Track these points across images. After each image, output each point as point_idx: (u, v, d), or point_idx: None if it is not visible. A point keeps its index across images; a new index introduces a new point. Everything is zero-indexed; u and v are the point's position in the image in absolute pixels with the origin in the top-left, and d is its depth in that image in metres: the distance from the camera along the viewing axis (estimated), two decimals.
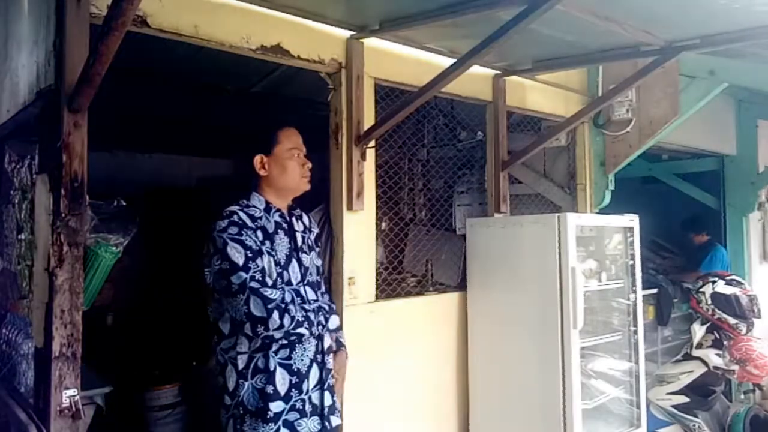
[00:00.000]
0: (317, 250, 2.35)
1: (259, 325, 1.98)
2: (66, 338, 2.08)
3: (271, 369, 2.03)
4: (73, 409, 2.07)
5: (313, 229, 2.36)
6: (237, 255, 2.00)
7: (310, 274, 2.22)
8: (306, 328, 2.04)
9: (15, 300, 2.88)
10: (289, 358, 2.06)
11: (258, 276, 2.00)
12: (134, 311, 5.69)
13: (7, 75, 2.93)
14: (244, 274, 1.99)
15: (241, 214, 2.10)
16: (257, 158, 2.18)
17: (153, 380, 4.26)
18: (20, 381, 2.60)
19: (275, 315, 1.96)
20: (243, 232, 2.04)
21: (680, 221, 6.00)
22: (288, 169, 2.18)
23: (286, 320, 1.99)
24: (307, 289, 2.17)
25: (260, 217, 2.14)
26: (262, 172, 2.18)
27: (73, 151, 2.09)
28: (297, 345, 2.07)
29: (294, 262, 2.16)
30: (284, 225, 2.19)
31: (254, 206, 2.16)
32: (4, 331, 2.97)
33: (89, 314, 2.23)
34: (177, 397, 4.17)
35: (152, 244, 5.58)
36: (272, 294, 1.99)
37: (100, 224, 2.42)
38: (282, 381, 2.04)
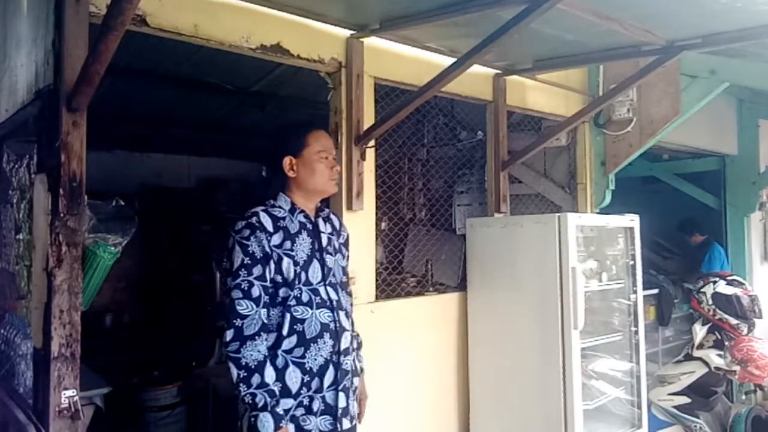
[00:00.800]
0: (345, 252, 2.33)
1: (224, 332, 2.02)
2: (65, 339, 2.07)
3: (280, 367, 2.04)
4: (72, 409, 2.07)
5: (342, 232, 2.35)
6: (236, 259, 2.03)
7: (333, 275, 2.21)
8: (242, 365, 1.96)
9: (13, 300, 2.88)
10: (302, 357, 2.07)
11: (244, 285, 2.00)
12: (134, 311, 5.70)
13: (5, 74, 2.93)
14: (232, 281, 2.02)
15: (262, 215, 2.10)
16: (286, 160, 2.17)
17: (152, 381, 4.27)
18: (19, 381, 2.59)
19: (229, 332, 1.98)
20: (253, 236, 2.04)
21: (677, 223, 6.01)
22: (316, 171, 2.18)
23: (233, 344, 1.96)
24: (329, 289, 2.17)
25: (284, 218, 2.14)
26: (290, 174, 2.18)
27: (71, 151, 2.09)
28: (312, 344, 2.08)
29: (315, 263, 2.15)
30: (308, 226, 2.19)
31: (279, 207, 2.17)
32: (2, 331, 2.96)
33: (88, 314, 2.23)
34: (176, 397, 4.17)
35: (151, 243, 5.59)
36: (245, 310, 1.99)
37: (98, 224, 2.41)
38: (294, 379, 2.05)
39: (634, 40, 3.09)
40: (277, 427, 1.95)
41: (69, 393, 2.07)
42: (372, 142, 3.11)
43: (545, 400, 3.24)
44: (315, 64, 2.94)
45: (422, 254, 3.91)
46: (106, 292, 5.34)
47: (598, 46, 3.31)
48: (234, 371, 1.96)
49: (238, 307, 1.99)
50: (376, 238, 3.29)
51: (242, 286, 2.00)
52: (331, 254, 2.22)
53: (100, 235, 2.38)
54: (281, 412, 1.99)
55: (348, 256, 2.36)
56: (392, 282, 3.56)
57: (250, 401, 1.95)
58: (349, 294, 2.33)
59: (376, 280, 3.19)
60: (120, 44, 1.80)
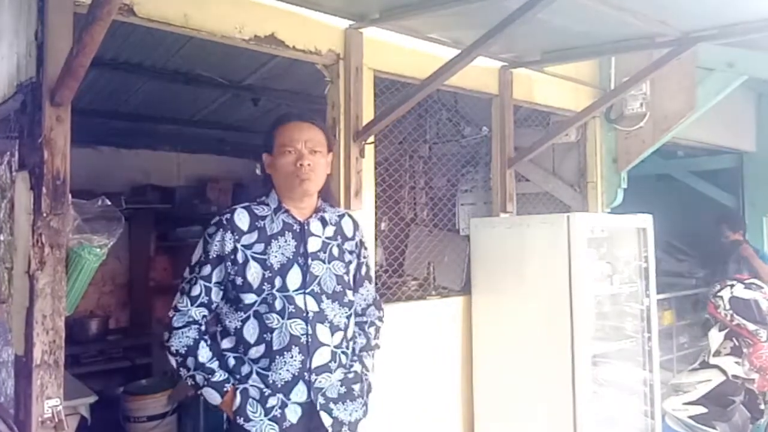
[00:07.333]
0: (351, 259, 2.19)
1: None
2: (48, 345, 2.08)
3: (244, 373, 2.03)
4: (56, 420, 2.07)
5: (355, 237, 2.22)
6: (196, 253, 2.07)
7: (319, 283, 2.08)
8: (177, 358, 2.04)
9: None
10: (267, 369, 2.02)
11: (189, 280, 2.05)
12: (121, 316, 5.70)
13: None
14: (187, 274, 2.07)
15: (237, 213, 2.06)
16: (264, 158, 2.13)
17: (140, 389, 4.27)
18: (0, 391, 2.59)
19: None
20: (217, 235, 2.03)
21: (715, 216, 5.89)
22: (278, 168, 2.09)
23: (165, 334, 2.05)
24: (308, 298, 2.06)
25: (265, 217, 2.08)
26: (269, 172, 2.13)
27: (55, 148, 2.09)
28: (277, 357, 2.02)
29: (296, 268, 2.06)
30: (295, 227, 2.10)
31: (266, 204, 2.12)
32: None
33: (72, 320, 2.23)
34: (166, 407, 4.17)
35: (138, 244, 5.59)
36: (180, 304, 2.04)
37: (83, 224, 2.40)
38: (255, 389, 2.02)
39: (647, 30, 3.09)
40: (222, 394, 2.00)
41: (52, 402, 2.07)
42: (371, 138, 3.11)
43: (554, 409, 3.24)
44: (311, 56, 2.94)
45: (424, 256, 3.91)
46: (91, 296, 5.36)
47: (610, 38, 3.31)
48: (171, 360, 2.04)
49: (176, 300, 2.05)
50: (376, 239, 3.29)
51: (187, 281, 2.05)
52: (322, 261, 2.10)
53: (85, 236, 2.37)
54: (220, 379, 2.01)
55: (362, 264, 2.25)
56: (392, 285, 3.56)
57: (192, 383, 2.03)
58: (346, 306, 2.14)
59: (376, 284, 3.16)
60: (106, 35, 1.80)
